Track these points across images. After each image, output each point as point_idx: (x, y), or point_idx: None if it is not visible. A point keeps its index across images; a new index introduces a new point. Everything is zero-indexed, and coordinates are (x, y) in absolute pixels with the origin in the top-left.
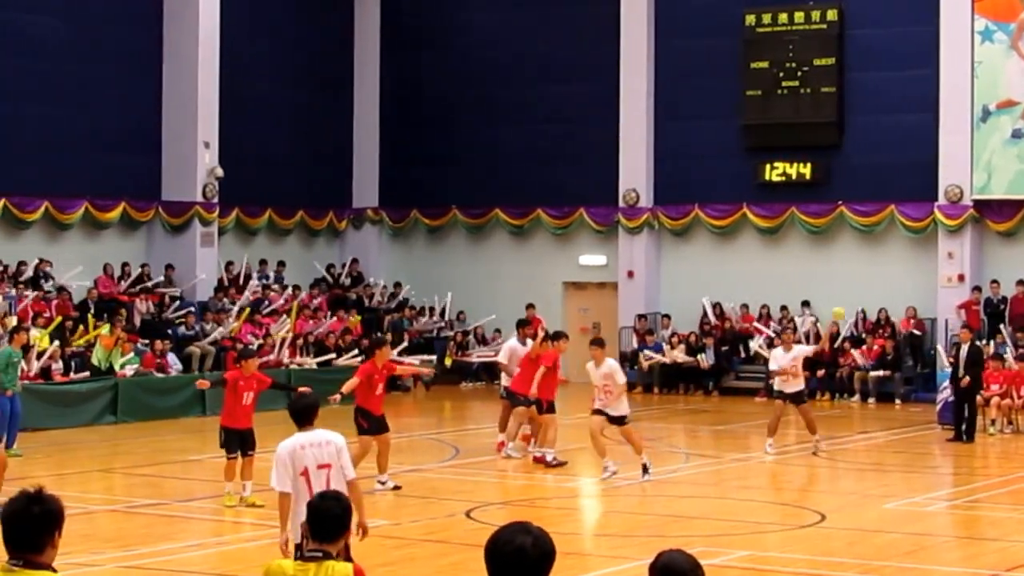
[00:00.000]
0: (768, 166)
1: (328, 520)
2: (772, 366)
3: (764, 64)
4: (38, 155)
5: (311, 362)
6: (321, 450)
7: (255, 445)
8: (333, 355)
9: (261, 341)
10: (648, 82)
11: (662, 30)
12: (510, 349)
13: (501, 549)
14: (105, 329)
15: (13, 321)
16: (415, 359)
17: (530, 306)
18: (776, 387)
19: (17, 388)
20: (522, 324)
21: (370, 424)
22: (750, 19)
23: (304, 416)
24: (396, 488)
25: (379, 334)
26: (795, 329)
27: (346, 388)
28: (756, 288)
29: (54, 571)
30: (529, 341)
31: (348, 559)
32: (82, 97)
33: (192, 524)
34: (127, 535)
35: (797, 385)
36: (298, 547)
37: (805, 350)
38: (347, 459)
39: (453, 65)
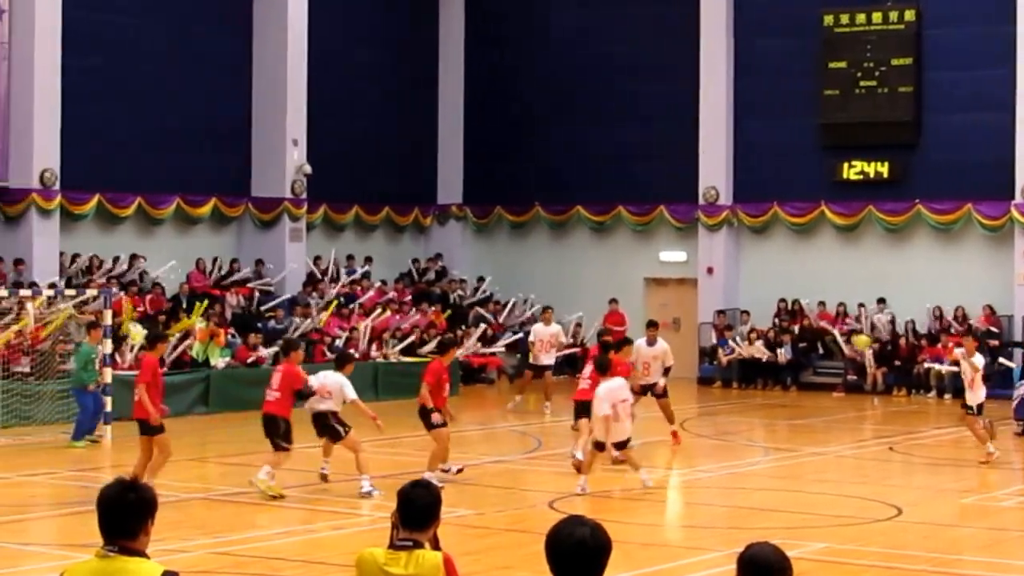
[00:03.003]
0: (846, 164)
1: (419, 509)
2: (531, 338)
3: (842, 64)
4: (132, 152)
5: (395, 353)
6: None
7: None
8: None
9: (348, 334)
10: (727, 81)
11: (741, 30)
12: (635, 350)
13: (562, 542)
14: (199, 321)
15: (108, 316)
16: (498, 348)
17: (613, 301)
18: (531, 360)
19: (98, 383)
20: (651, 325)
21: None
22: (828, 19)
23: None
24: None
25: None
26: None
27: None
28: (833, 285)
29: (147, 557)
30: (659, 340)
31: (437, 548)
32: (175, 95)
33: (280, 512)
34: (217, 522)
35: (550, 358)
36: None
37: (558, 331)
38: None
39: (536, 63)
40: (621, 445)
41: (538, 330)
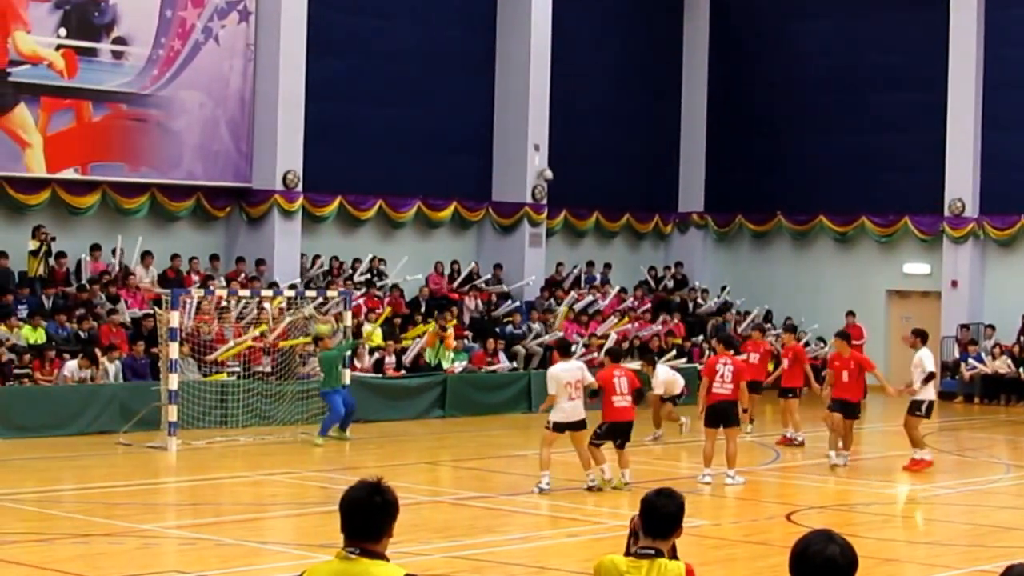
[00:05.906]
0: None
1: (663, 518)
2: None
3: None
4: (376, 155)
5: (635, 364)
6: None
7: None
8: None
9: (586, 341)
10: (976, 91)
11: (991, 40)
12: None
13: (811, 559)
14: (431, 327)
15: (348, 317)
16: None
17: (850, 314)
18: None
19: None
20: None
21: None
22: None
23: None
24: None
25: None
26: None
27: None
28: None
29: (387, 560)
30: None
31: (675, 557)
32: (420, 99)
33: (516, 518)
34: (453, 526)
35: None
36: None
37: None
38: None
39: (780, 71)
40: None
41: None
